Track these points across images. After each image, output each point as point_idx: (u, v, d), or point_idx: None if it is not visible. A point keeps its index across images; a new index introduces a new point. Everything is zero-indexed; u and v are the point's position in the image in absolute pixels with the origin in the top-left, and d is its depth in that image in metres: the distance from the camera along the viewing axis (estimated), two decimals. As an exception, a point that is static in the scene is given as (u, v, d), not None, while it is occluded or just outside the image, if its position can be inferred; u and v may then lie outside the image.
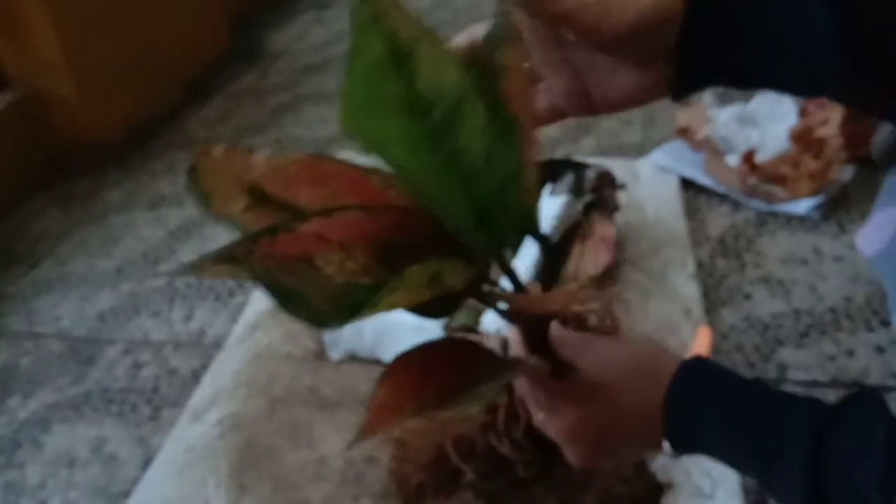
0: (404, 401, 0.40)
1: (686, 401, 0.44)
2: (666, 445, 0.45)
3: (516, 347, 0.50)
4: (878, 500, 0.36)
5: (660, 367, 0.45)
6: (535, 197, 0.45)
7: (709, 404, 0.43)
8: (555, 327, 0.48)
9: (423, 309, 0.41)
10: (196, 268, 0.35)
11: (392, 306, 0.38)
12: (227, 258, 0.35)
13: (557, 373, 0.48)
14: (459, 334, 0.90)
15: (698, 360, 0.45)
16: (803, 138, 1.19)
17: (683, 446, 0.45)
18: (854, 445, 0.37)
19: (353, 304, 0.37)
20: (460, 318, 0.92)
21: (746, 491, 0.77)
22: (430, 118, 0.39)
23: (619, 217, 1.12)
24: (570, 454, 0.48)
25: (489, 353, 0.47)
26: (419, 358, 0.43)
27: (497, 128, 0.41)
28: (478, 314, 0.91)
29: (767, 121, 1.25)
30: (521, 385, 0.50)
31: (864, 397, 0.40)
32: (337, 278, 0.38)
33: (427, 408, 0.40)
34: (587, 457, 0.48)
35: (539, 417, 0.49)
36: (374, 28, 0.37)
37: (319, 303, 0.37)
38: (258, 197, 0.41)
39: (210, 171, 0.41)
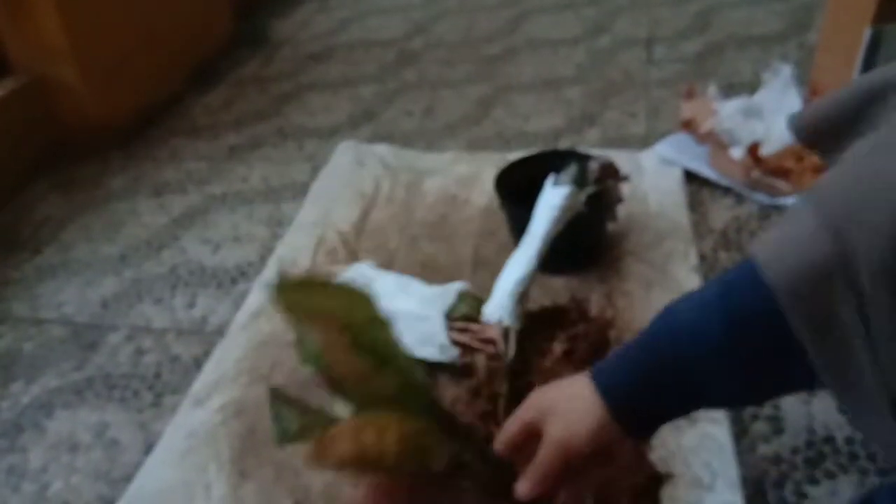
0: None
1: (610, 378, 0.56)
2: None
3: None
4: None
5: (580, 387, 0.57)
6: None
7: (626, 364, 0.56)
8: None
9: None
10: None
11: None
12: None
13: None
14: (460, 324, 0.90)
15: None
16: (808, 131, 1.18)
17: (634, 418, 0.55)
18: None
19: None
20: (461, 308, 0.92)
21: (746, 481, 0.77)
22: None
23: (622, 208, 1.11)
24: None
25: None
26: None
27: None
28: (479, 304, 0.91)
29: (772, 114, 1.25)
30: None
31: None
32: None
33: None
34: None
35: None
36: None
37: None
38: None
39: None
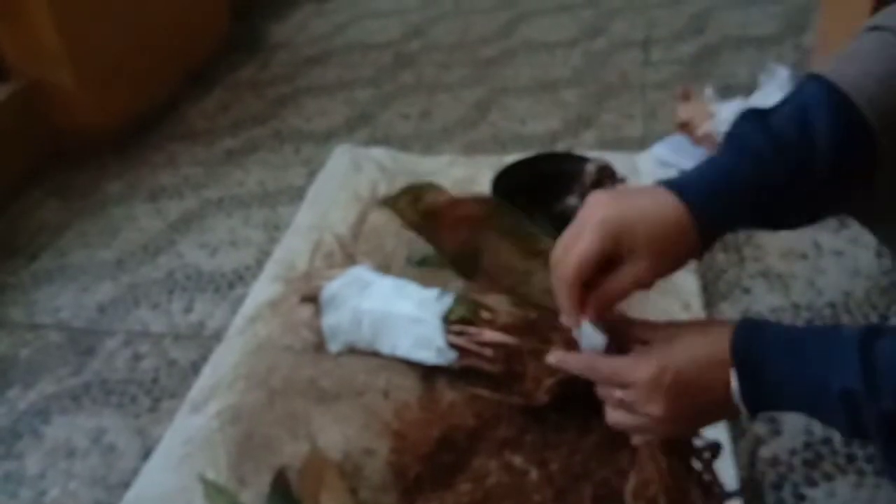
0: None
1: (749, 335, 0.51)
2: (736, 393, 0.50)
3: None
4: None
5: (720, 325, 0.53)
6: None
7: (769, 333, 0.51)
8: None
9: None
10: None
11: None
12: None
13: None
14: (457, 327, 0.90)
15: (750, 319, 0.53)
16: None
17: (749, 379, 0.50)
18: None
19: None
20: (458, 311, 0.92)
21: (744, 485, 0.77)
22: None
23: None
24: (654, 410, 0.54)
25: None
26: None
27: None
28: (475, 307, 0.91)
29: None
30: (597, 369, 0.58)
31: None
32: None
33: None
34: (670, 410, 0.53)
35: (617, 394, 0.56)
36: None
37: None
38: None
39: None
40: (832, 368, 0.47)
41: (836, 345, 0.47)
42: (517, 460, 0.78)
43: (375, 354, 0.96)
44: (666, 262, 0.54)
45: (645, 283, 0.55)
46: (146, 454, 0.90)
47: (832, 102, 0.52)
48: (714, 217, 0.53)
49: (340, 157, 1.44)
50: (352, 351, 0.98)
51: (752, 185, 0.53)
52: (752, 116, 0.55)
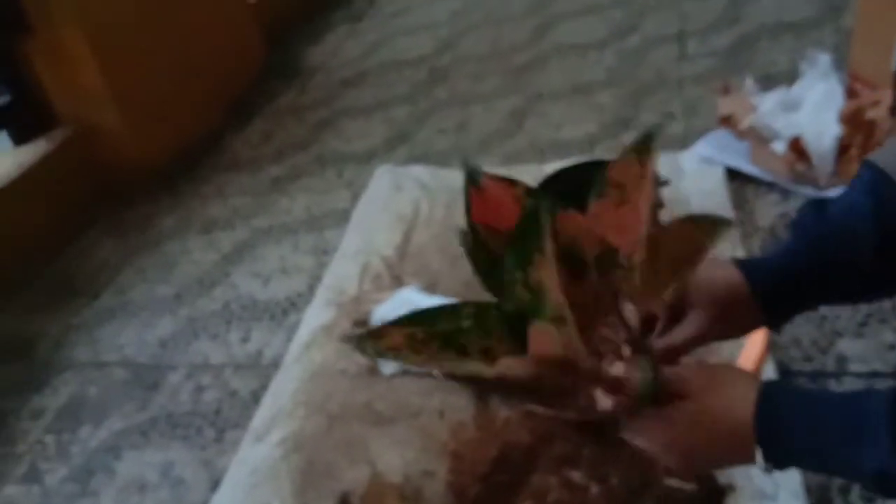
0: None
1: (773, 409, 0.50)
2: (758, 457, 0.49)
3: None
4: None
5: (745, 388, 0.51)
6: None
7: (794, 405, 0.50)
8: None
9: None
10: None
11: None
12: None
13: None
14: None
15: (775, 381, 0.53)
16: (853, 120, 1.15)
17: (773, 451, 0.49)
18: None
19: None
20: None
21: (810, 490, 0.75)
22: None
23: (664, 214, 1.10)
24: (669, 463, 0.54)
25: None
26: None
27: None
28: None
29: (813, 106, 1.22)
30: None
31: None
32: None
33: None
34: (682, 467, 0.55)
35: (639, 442, 0.55)
36: None
37: None
38: None
39: None
40: (862, 450, 0.46)
41: (864, 420, 0.46)
42: (576, 476, 0.78)
43: (429, 375, 0.97)
44: (723, 323, 0.58)
45: (702, 338, 0.58)
46: (214, 485, 0.93)
47: (879, 195, 0.56)
48: (773, 290, 0.58)
49: (381, 179, 1.46)
50: (405, 372, 0.99)
51: (805, 265, 0.58)
52: (813, 205, 0.60)
